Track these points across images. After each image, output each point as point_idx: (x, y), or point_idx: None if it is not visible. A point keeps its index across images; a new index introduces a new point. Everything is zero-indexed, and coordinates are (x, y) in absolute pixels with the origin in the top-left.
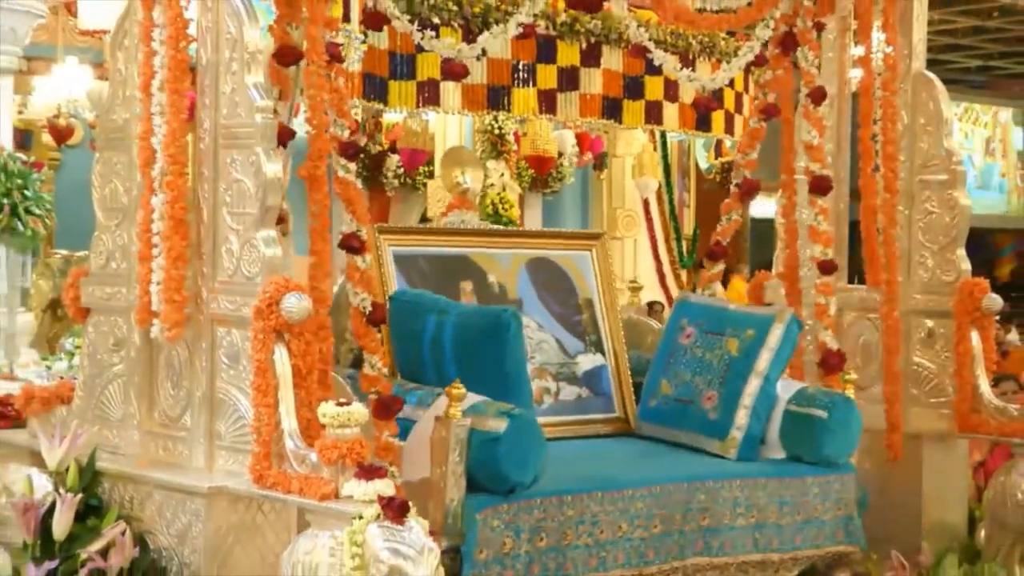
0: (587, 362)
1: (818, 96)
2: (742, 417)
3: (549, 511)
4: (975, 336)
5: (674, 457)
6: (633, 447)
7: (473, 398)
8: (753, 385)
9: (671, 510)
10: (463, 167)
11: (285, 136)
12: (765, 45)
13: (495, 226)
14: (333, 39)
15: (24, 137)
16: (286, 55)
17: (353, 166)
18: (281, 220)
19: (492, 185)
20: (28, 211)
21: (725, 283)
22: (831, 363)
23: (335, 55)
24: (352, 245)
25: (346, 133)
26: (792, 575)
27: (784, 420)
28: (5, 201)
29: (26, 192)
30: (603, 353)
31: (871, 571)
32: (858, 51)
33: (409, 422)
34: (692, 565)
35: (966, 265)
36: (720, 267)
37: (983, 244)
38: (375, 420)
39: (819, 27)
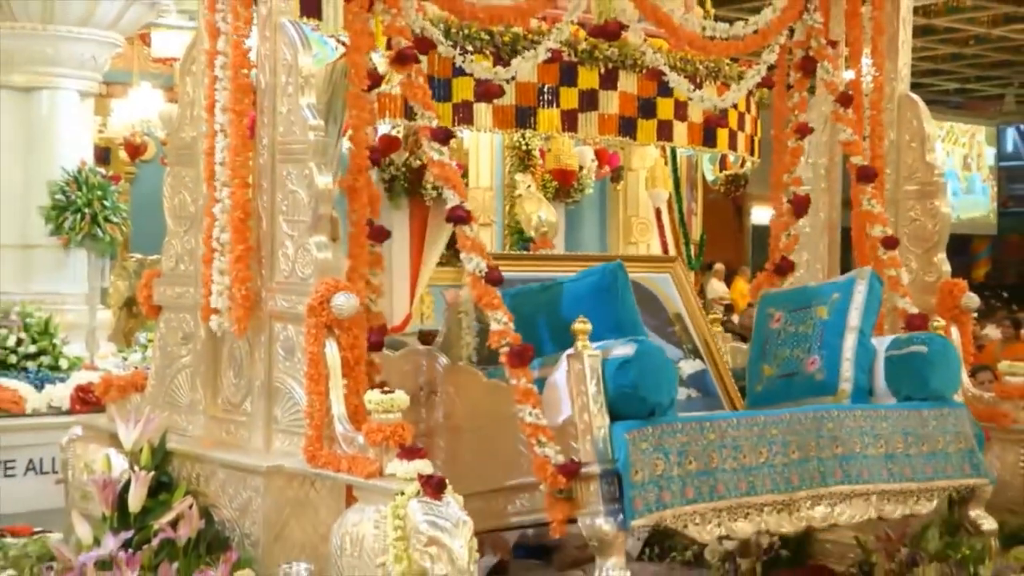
0: (689, 367)
1: (845, 101)
2: (847, 370)
3: (691, 435)
4: (955, 331)
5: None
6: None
7: (596, 343)
8: (850, 340)
9: (804, 437)
10: (536, 205)
11: (445, 135)
12: (770, 68)
13: (583, 253)
14: (406, 46)
15: (103, 153)
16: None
17: (446, 149)
18: (379, 235)
19: (520, 196)
20: (107, 219)
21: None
22: (916, 324)
23: (412, 57)
24: (459, 216)
25: (435, 123)
26: (932, 506)
27: (887, 367)
28: (86, 210)
29: (105, 202)
30: (701, 359)
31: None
32: (849, 75)
33: (537, 381)
34: (837, 493)
35: (946, 267)
36: (786, 281)
37: (961, 248)
38: (511, 369)
39: (833, 44)
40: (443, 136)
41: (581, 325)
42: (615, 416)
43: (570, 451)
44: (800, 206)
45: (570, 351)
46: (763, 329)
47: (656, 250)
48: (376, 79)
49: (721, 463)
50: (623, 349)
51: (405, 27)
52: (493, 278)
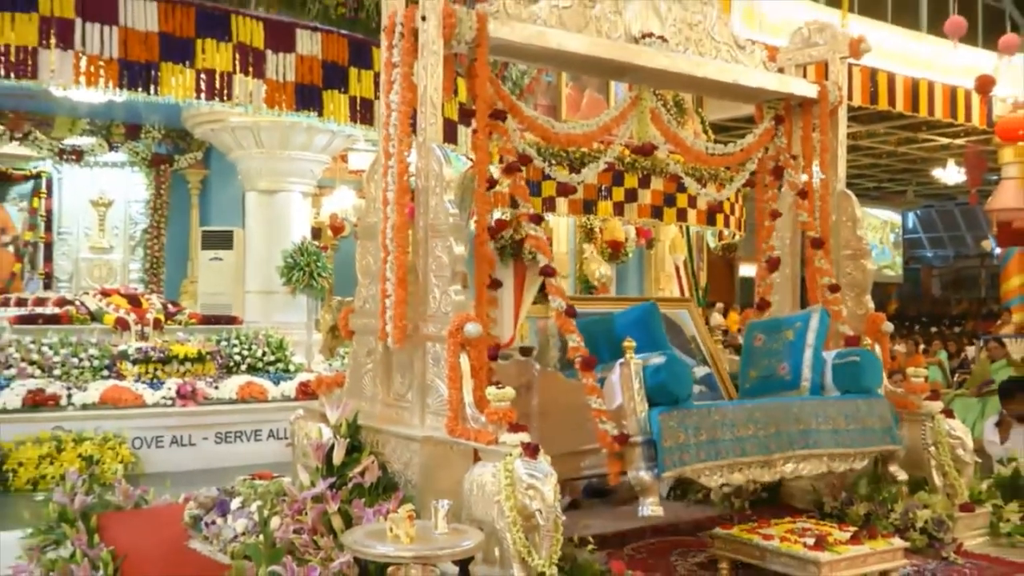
0: (700, 371)
1: (803, 195)
2: (806, 373)
3: (702, 417)
4: (877, 348)
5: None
6: None
7: (638, 354)
8: (808, 353)
9: (778, 418)
10: (598, 264)
11: (539, 219)
12: (752, 174)
13: (628, 296)
14: (512, 161)
15: (317, 232)
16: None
17: (540, 229)
18: (495, 285)
19: (586, 258)
20: (319, 274)
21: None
22: (852, 343)
23: (516, 168)
24: (548, 271)
25: (531, 210)
26: (865, 463)
27: (834, 371)
28: (306, 269)
29: (318, 264)
30: (708, 365)
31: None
32: (803, 177)
33: (599, 380)
34: (800, 455)
35: (872, 305)
36: (765, 314)
37: (880, 292)
38: (582, 373)
39: (794, 157)
40: (537, 219)
41: (629, 343)
42: (651, 403)
43: (621, 427)
44: (773, 265)
45: (621, 360)
46: (749, 346)
47: (675, 294)
48: (492, 182)
49: (722, 435)
50: (657, 359)
51: (511, 148)
52: (570, 312)
